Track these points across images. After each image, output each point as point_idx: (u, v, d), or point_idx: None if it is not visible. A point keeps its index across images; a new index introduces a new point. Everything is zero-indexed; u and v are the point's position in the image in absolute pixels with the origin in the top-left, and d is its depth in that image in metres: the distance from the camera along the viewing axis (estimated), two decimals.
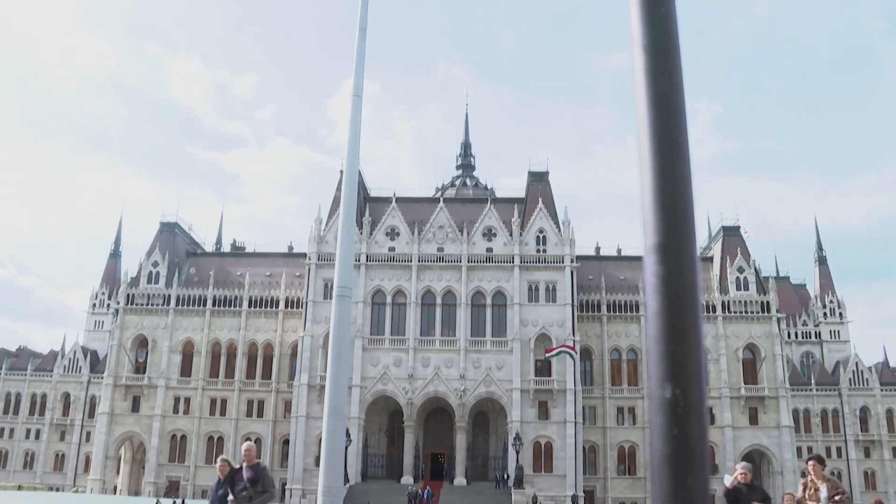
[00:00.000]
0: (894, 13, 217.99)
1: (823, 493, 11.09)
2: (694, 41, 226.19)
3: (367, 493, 67.59)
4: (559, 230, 78.58)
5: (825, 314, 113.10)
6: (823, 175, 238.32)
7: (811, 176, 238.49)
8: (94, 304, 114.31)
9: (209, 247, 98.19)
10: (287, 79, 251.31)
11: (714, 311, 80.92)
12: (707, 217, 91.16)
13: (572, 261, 77.19)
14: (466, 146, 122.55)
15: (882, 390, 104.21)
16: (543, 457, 72.81)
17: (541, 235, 78.47)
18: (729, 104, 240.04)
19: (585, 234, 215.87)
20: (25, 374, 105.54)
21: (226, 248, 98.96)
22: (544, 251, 77.84)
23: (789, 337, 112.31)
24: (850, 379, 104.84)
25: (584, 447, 76.71)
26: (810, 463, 11.38)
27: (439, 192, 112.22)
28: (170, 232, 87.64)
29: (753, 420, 78.60)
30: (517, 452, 68.91)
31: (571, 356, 70.67)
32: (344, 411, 27.95)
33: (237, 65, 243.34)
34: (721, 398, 78.47)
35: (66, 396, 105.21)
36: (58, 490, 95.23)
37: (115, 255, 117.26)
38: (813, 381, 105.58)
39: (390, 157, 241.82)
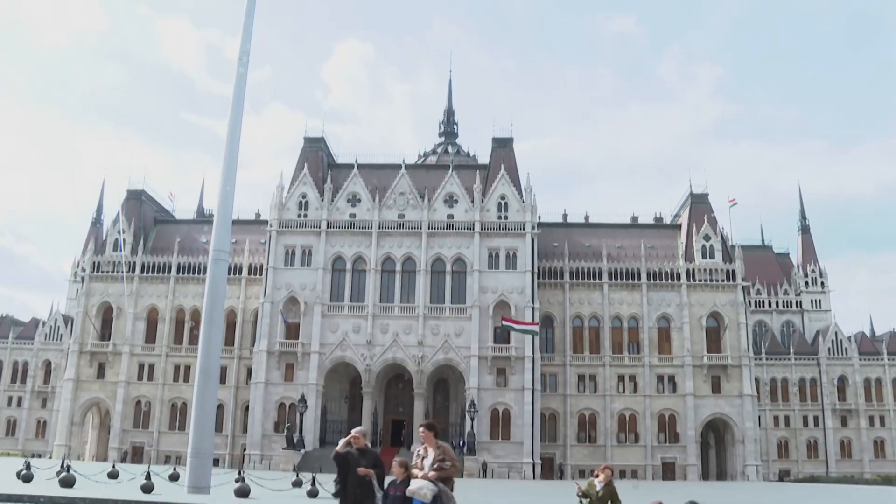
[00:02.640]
0: None
1: (429, 459, 10.67)
2: (696, 3, 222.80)
3: (320, 459, 67.60)
4: (521, 197, 77.87)
5: (807, 283, 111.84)
6: (827, 142, 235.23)
7: (814, 143, 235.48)
8: (76, 273, 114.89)
9: (189, 214, 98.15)
10: (280, 39, 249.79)
11: (678, 278, 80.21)
12: (691, 185, 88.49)
13: (533, 227, 76.56)
14: (449, 113, 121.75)
15: (861, 360, 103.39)
16: (501, 424, 72.67)
17: (502, 202, 77.81)
18: (732, 67, 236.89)
19: (580, 198, 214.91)
20: (7, 342, 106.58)
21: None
22: (506, 218, 77.23)
23: (770, 306, 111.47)
24: (829, 348, 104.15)
25: (543, 414, 76.64)
26: (421, 429, 10.96)
27: (421, 159, 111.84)
28: (136, 199, 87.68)
29: (716, 389, 77.98)
30: (472, 419, 69.00)
31: (533, 335, 70.20)
32: (216, 375, 27.72)
33: (228, 25, 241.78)
34: (684, 366, 78.02)
35: (48, 364, 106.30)
36: (39, 457, 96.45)
37: (97, 222, 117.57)
38: (792, 350, 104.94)
39: (384, 121, 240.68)
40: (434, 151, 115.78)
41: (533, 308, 74.12)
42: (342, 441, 11.35)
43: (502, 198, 77.84)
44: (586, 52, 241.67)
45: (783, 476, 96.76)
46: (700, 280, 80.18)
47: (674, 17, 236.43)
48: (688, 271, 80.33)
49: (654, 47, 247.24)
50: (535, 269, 76.12)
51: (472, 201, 77.39)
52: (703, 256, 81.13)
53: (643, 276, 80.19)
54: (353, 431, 11.51)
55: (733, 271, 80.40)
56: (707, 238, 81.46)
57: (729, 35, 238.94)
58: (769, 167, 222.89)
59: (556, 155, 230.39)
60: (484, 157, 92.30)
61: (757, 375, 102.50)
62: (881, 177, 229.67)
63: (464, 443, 69.39)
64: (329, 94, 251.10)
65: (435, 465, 10.55)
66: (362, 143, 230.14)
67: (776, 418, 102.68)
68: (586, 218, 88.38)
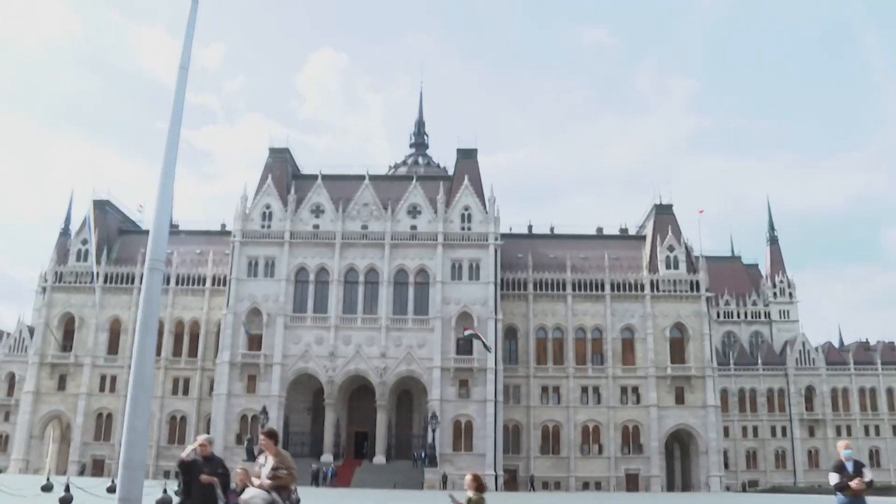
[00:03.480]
0: None
1: (267, 468, 10.60)
2: (672, 16, 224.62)
3: None
4: (485, 208, 77.93)
5: (775, 294, 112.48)
6: (799, 155, 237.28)
7: (786, 156, 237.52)
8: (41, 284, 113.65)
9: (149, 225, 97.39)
10: (254, 48, 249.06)
11: (642, 289, 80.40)
12: (660, 196, 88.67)
13: (497, 238, 76.61)
14: (420, 125, 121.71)
15: (828, 370, 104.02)
16: (464, 435, 72.53)
17: (466, 213, 77.86)
18: (706, 80, 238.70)
19: (555, 210, 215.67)
20: None
21: (184, 225, 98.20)
22: (469, 229, 77.27)
23: (739, 316, 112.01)
24: (796, 359, 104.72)
25: (507, 426, 76.52)
26: (262, 437, 10.90)
27: (392, 170, 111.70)
28: (101, 210, 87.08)
29: (680, 400, 78.13)
30: (433, 431, 68.77)
31: (485, 346, 69.99)
32: (150, 385, 27.55)
33: (203, 34, 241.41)
34: (647, 378, 78.15)
35: (12, 376, 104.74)
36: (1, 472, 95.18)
37: (66, 232, 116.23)
38: (760, 360, 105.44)
39: (359, 131, 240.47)
40: (405, 163, 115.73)
41: (496, 319, 74.11)
42: (189, 448, 11.34)
43: (466, 209, 77.88)
44: (561, 65, 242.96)
45: (751, 486, 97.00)
46: (664, 291, 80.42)
47: (648, 30, 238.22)
48: (652, 282, 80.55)
49: (629, 60, 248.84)
50: (499, 281, 76.16)
51: (436, 212, 77.38)
52: (668, 267, 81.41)
53: (607, 287, 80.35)
54: (199, 438, 11.54)
55: (697, 282, 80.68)
56: (671, 249, 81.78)
57: (704, 48, 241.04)
58: (741, 179, 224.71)
59: (531, 166, 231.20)
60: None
61: (725, 386, 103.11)
62: (852, 189, 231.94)
63: (425, 455, 69.20)
64: (304, 104, 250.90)
65: (270, 474, 10.53)
66: (337, 154, 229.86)
67: (744, 429, 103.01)
68: (551, 229, 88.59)
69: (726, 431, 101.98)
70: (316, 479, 62.42)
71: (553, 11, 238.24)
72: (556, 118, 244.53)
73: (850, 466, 12.92)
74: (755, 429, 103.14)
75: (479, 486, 12.67)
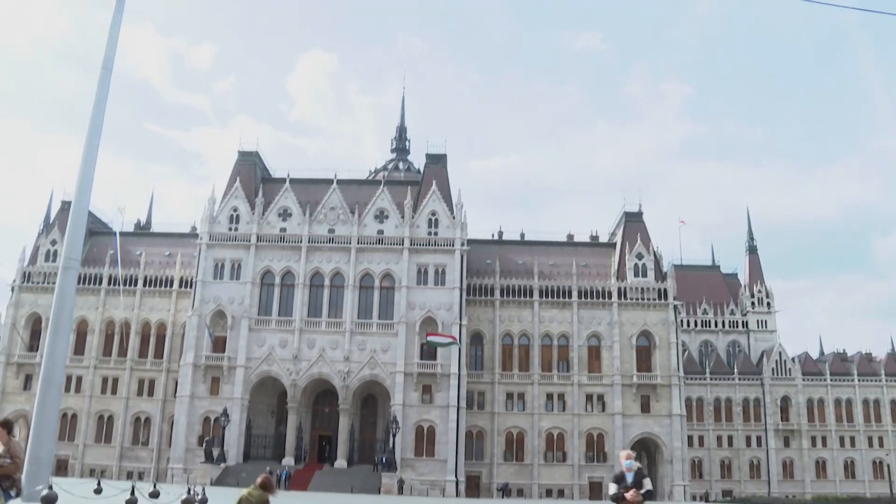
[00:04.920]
0: (868, 4, 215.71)
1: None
2: (664, 22, 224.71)
3: (238, 474, 67.27)
4: (452, 213, 77.85)
5: (753, 304, 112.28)
6: (792, 163, 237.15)
7: (778, 164, 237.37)
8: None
9: (134, 227, 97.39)
10: (246, 48, 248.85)
11: (609, 297, 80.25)
12: (639, 204, 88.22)
13: (463, 244, 76.51)
14: (402, 130, 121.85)
15: (804, 380, 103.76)
16: (426, 441, 72.35)
17: (433, 218, 77.81)
18: (699, 87, 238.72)
19: (544, 216, 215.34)
20: None
21: (157, 227, 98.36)
22: (436, 234, 77.20)
23: (717, 326, 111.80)
24: (773, 369, 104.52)
25: (471, 432, 76.35)
26: None
27: (372, 175, 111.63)
28: (69, 211, 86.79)
29: (645, 408, 77.93)
30: (393, 436, 68.62)
31: (451, 343, 69.79)
32: (60, 383, 27.50)
33: (193, 34, 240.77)
34: (613, 385, 77.96)
35: None
36: None
37: (44, 233, 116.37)
38: (736, 370, 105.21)
39: (349, 134, 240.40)
40: (385, 168, 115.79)
41: (460, 325, 73.96)
42: None
43: (433, 214, 77.83)
44: (553, 69, 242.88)
45: (725, 496, 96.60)
46: (631, 299, 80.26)
47: (641, 36, 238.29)
48: (619, 290, 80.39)
49: (621, 65, 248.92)
50: (464, 286, 76.04)
51: (403, 217, 77.32)
52: (636, 275, 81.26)
53: (574, 294, 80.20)
54: None
55: (665, 290, 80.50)
56: (640, 257, 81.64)
57: (697, 54, 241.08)
58: (732, 187, 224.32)
59: (522, 171, 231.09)
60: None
61: (701, 395, 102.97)
62: (845, 198, 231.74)
63: (384, 459, 69.02)
64: (294, 106, 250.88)
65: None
66: (326, 157, 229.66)
67: (719, 438, 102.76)
68: (522, 235, 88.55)
69: (701, 441, 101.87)
70: None
71: (546, 16, 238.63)
72: (548, 123, 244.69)
73: (630, 477, 12.79)
74: (730, 438, 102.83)
75: (263, 484, 12.60)
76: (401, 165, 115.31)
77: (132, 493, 29.81)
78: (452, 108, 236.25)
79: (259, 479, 13.10)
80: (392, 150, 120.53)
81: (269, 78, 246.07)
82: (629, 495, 12.43)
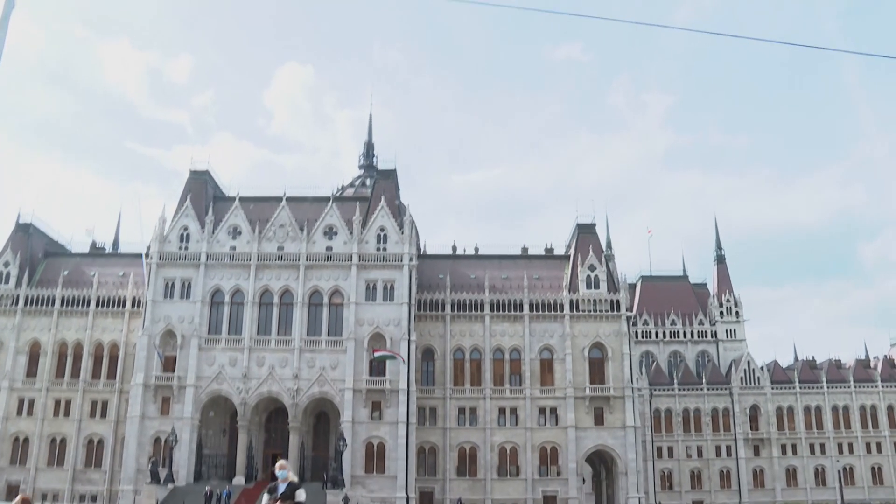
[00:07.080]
0: (849, 13, 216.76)
1: None
2: (646, 32, 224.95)
3: (186, 494, 66.98)
4: (401, 229, 77.72)
5: (721, 313, 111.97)
6: (776, 171, 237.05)
7: (762, 172, 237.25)
8: None
9: (101, 247, 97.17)
10: (223, 60, 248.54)
11: (561, 309, 79.96)
12: (593, 215, 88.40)
13: (412, 259, 76.38)
14: (369, 146, 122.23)
15: (773, 389, 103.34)
16: (376, 457, 72.00)
17: (382, 234, 77.69)
18: (681, 97, 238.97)
19: (533, 229, 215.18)
20: None
21: (124, 248, 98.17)
22: (385, 250, 77.05)
23: (685, 336, 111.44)
24: (741, 378, 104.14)
25: (423, 448, 76.02)
26: None
27: (339, 192, 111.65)
28: (24, 232, 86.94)
29: (599, 420, 77.50)
30: (341, 453, 68.22)
31: (397, 357, 69.50)
32: None
33: (169, 46, 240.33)
34: (566, 398, 77.63)
35: None
36: None
37: None
38: (705, 380, 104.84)
39: (328, 149, 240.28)
40: (352, 184, 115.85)
41: (409, 340, 73.74)
42: None
43: (381, 230, 77.73)
44: (534, 81, 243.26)
45: None
46: (584, 311, 79.99)
47: (622, 46, 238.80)
48: (571, 302, 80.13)
49: (603, 76, 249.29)
50: (414, 301, 75.87)
51: (352, 233, 77.23)
52: (588, 287, 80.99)
53: (526, 307, 79.96)
54: None
55: (618, 301, 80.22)
56: (592, 268, 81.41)
57: (678, 64, 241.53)
58: (713, 196, 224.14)
59: (504, 184, 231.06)
60: (409, 190, 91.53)
61: (669, 406, 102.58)
62: (829, 205, 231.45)
63: (330, 476, 68.64)
64: (272, 121, 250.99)
65: None
66: (304, 172, 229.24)
67: (688, 448, 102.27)
68: (476, 249, 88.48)
69: (671, 452, 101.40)
70: (209, 502, 61.80)
71: (526, 27, 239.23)
72: (530, 135, 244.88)
73: (282, 488, 12.68)
74: (699, 449, 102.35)
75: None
76: (367, 182, 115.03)
77: None
78: (433, 121, 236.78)
79: (18, 498, 12.95)
80: (360, 167, 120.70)
81: (246, 92, 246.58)
82: None
